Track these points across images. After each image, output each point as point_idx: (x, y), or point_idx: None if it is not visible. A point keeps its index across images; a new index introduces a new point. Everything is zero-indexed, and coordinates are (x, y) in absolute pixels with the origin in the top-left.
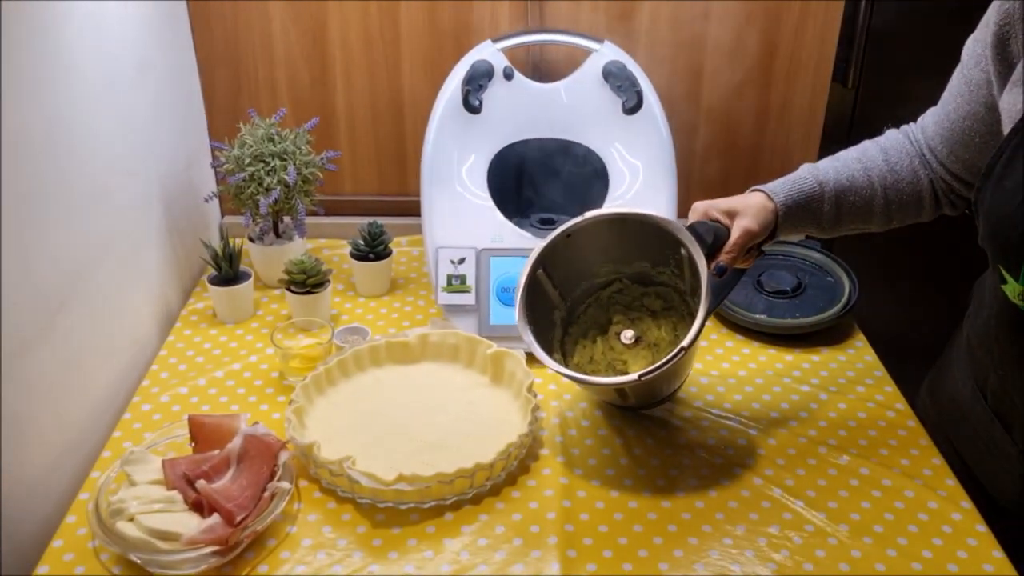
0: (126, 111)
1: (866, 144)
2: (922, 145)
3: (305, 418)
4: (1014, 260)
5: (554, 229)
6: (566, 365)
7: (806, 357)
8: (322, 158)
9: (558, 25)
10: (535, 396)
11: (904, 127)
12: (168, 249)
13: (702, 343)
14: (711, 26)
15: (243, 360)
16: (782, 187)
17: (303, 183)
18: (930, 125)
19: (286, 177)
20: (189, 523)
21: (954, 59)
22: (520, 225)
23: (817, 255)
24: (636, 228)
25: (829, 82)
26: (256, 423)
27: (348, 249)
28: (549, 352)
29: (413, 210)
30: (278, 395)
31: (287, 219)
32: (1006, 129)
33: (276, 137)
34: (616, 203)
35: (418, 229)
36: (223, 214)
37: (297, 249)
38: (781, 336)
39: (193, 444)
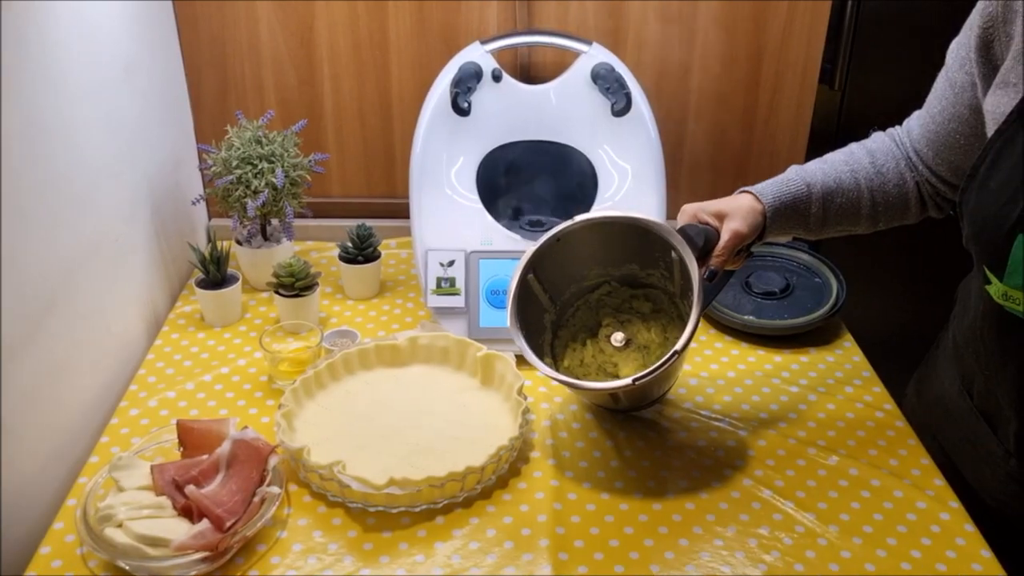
0: (112, 113)
1: (853, 147)
2: (908, 148)
3: (295, 422)
4: (998, 261)
5: (543, 231)
6: (556, 369)
7: (795, 358)
8: (310, 160)
9: (546, 27)
10: (525, 399)
11: (890, 130)
12: (155, 252)
13: (691, 344)
14: (699, 28)
15: (231, 364)
16: (770, 188)
17: (291, 185)
18: (915, 128)
19: (274, 179)
20: (178, 529)
21: (940, 61)
22: (509, 227)
23: (805, 256)
24: (626, 231)
25: (816, 84)
26: (245, 427)
27: (336, 252)
28: (540, 356)
29: (402, 212)
30: (267, 399)
31: (275, 222)
32: (990, 130)
33: (264, 139)
34: (605, 205)
35: (407, 231)
36: (210, 217)
37: (285, 252)
38: (770, 337)
39: (182, 449)
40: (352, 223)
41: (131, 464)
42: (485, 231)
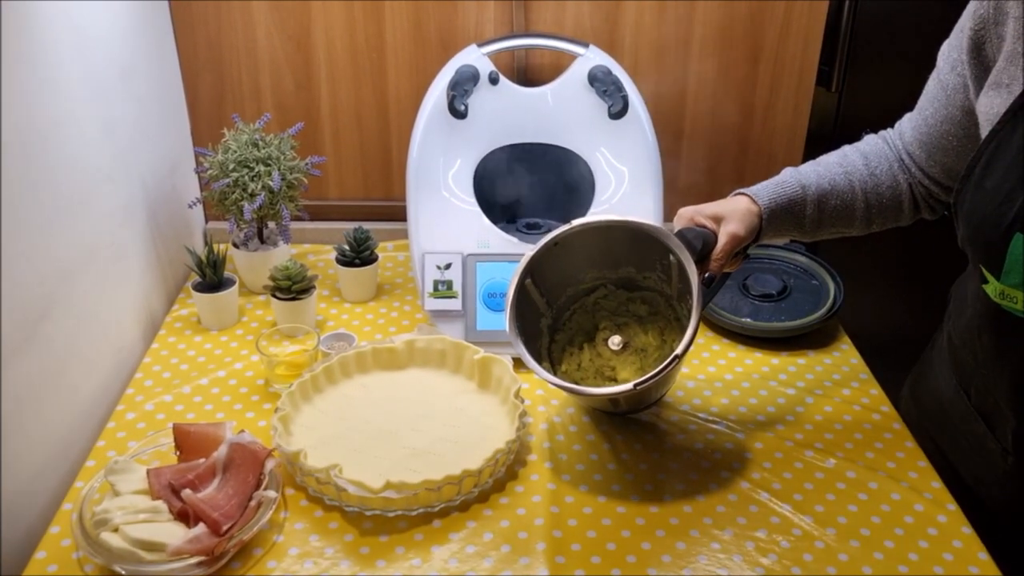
0: (109, 118)
1: (846, 149)
2: (900, 150)
3: (291, 425)
4: (995, 260)
5: (540, 234)
6: (555, 373)
7: (792, 360)
8: (307, 163)
9: (543, 29)
10: (522, 402)
11: (882, 132)
12: (152, 256)
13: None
14: (696, 30)
15: (228, 367)
16: (766, 190)
17: (288, 188)
18: (908, 130)
19: (270, 183)
20: (174, 533)
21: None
22: (506, 230)
23: (802, 258)
24: (623, 235)
25: (813, 86)
26: (242, 431)
27: (333, 254)
28: (538, 360)
29: (399, 215)
30: (264, 402)
31: (272, 225)
32: (984, 131)
33: (260, 142)
34: (602, 207)
35: (404, 234)
36: (207, 220)
37: (282, 255)
38: (767, 340)
39: (178, 453)
40: (349, 226)
41: (127, 468)
42: (482, 234)
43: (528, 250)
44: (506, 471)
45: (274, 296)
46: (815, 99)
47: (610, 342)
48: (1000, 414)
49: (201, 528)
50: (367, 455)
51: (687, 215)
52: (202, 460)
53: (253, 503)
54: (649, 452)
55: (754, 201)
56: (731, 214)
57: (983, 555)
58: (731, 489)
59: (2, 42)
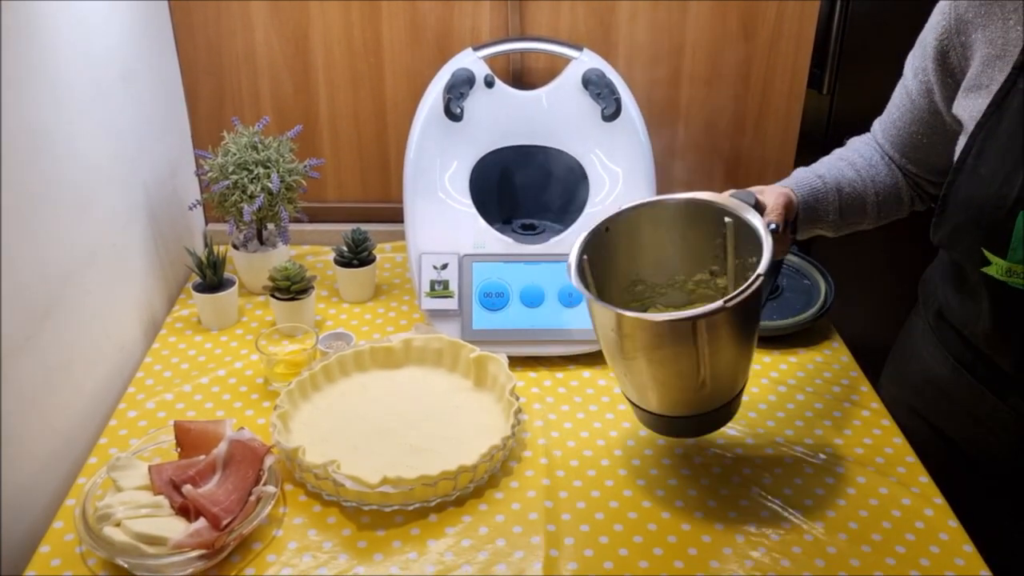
0: (111, 120)
1: (841, 150)
2: (882, 149)
3: (290, 423)
4: (999, 240)
5: (536, 235)
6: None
7: (783, 358)
8: (305, 166)
9: (538, 32)
10: (517, 399)
11: (862, 136)
12: (153, 256)
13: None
14: (688, 34)
15: (228, 366)
16: (791, 181)
17: (287, 190)
18: (879, 133)
19: (269, 185)
20: (175, 527)
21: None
22: (502, 231)
23: (794, 259)
24: (673, 217)
25: (804, 89)
26: (241, 428)
27: (332, 256)
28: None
29: (396, 217)
30: (263, 400)
31: (271, 226)
32: (969, 127)
33: (259, 145)
34: (596, 208)
35: (401, 235)
36: (207, 222)
37: (281, 256)
38: (759, 338)
39: (179, 450)
40: (347, 227)
41: (129, 464)
42: (478, 235)
43: (581, 233)
44: (501, 467)
45: (273, 296)
46: (807, 102)
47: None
48: (1011, 383)
49: (202, 523)
50: (365, 452)
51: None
52: (202, 456)
53: (252, 498)
54: (641, 449)
55: (786, 187)
56: (770, 189)
57: (968, 548)
58: (722, 484)
59: (8, 47)
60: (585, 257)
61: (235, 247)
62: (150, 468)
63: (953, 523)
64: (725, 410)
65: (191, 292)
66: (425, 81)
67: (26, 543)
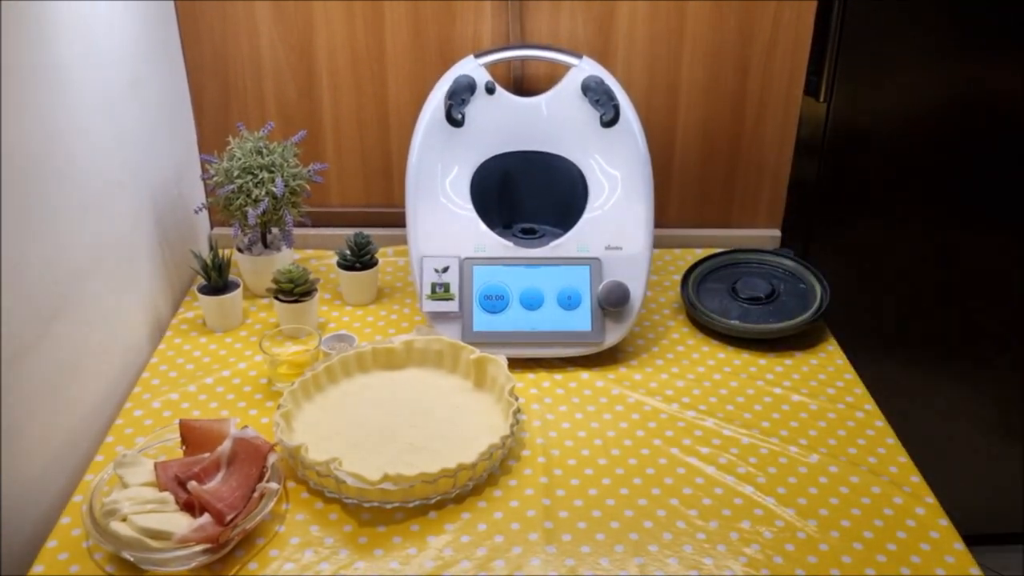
0: (118, 124)
1: None
2: None
3: (293, 422)
4: None
5: (535, 239)
6: None
7: (779, 361)
8: (309, 170)
9: (538, 40)
10: (516, 399)
11: None
12: (159, 259)
13: (679, 348)
14: (686, 41)
15: (232, 367)
16: None
17: (291, 195)
18: None
19: (274, 189)
20: (180, 523)
21: (925, 71)
22: (502, 235)
23: (790, 263)
24: None
25: (801, 96)
26: (245, 427)
27: (335, 259)
28: None
29: (398, 221)
30: (266, 400)
31: (275, 230)
32: None
33: (264, 150)
34: (595, 213)
35: (403, 240)
36: (212, 226)
37: (285, 259)
38: (755, 341)
39: (184, 447)
40: (350, 232)
41: (135, 462)
42: (478, 238)
43: None
44: (501, 465)
45: (277, 299)
46: (804, 109)
47: None
48: None
49: (206, 518)
50: (366, 450)
51: None
52: (207, 454)
53: (256, 495)
54: (638, 448)
55: None
56: None
57: (959, 545)
58: (717, 483)
59: (17, 52)
60: None
61: (240, 250)
62: (156, 465)
63: (944, 521)
64: None
65: (196, 295)
66: (427, 87)
67: (34, 538)
